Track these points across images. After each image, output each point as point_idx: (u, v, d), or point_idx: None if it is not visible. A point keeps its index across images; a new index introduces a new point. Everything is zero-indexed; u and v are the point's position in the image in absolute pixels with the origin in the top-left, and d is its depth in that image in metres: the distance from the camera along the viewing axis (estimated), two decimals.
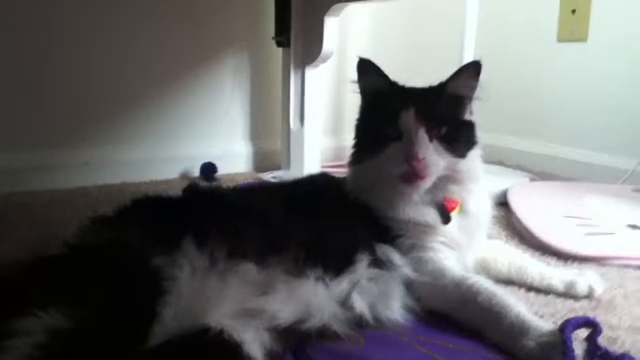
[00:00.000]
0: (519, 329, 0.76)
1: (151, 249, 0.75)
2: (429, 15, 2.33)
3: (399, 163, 0.89)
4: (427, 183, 0.91)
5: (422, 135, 0.88)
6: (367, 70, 0.96)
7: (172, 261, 0.75)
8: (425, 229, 0.93)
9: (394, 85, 0.96)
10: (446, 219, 0.94)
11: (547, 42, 2.15)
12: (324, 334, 0.78)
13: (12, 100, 1.62)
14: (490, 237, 1.11)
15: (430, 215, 0.94)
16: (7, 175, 1.59)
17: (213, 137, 1.98)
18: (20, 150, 1.64)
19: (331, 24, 1.77)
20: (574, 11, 2.04)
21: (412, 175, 0.89)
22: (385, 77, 0.96)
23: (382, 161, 0.91)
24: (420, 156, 0.87)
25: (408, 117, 0.89)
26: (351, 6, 1.85)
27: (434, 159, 0.89)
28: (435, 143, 0.90)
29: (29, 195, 1.56)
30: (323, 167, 1.93)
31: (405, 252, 0.91)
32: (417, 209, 0.93)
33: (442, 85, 0.95)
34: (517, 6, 2.25)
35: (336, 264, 0.83)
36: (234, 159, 2.01)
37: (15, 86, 1.62)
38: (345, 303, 0.81)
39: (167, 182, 1.78)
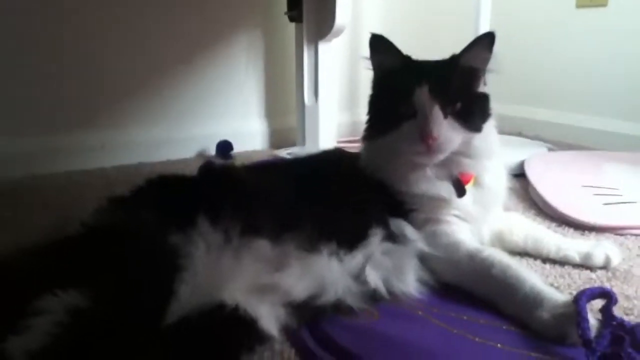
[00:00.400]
0: (533, 301, 0.76)
1: (167, 228, 0.77)
2: None
3: (414, 141, 0.88)
4: (441, 157, 0.91)
5: (437, 112, 0.88)
6: (379, 46, 0.95)
7: (187, 239, 0.76)
8: (439, 202, 0.93)
9: (407, 61, 0.95)
10: (461, 192, 0.94)
11: (566, 8, 2.10)
12: (338, 308, 0.79)
13: (27, 84, 1.64)
14: (507, 209, 1.11)
15: (445, 189, 0.93)
16: (24, 159, 1.62)
17: (228, 115, 1.98)
18: (36, 134, 1.67)
19: None
20: None
21: (427, 152, 0.88)
22: (398, 52, 0.94)
23: (396, 139, 0.91)
24: (435, 134, 0.86)
25: (422, 95, 0.88)
26: None
27: (449, 135, 0.88)
28: (450, 119, 0.89)
29: (46, 178, 1.58)
30: (338, 142, 1.93)
31: (419, 226, 0.91)
32: (432, 183, 0.93)
33: (455, 58, 0.93)
34: None
35: (350, 238, 0.84)
36: (250, 136, 2.01)
37: (30, 70, 1.64)
38: (359, 277, 0.82)
39: (183, 161, 1.80)
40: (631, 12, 1.88)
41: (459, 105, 0.89)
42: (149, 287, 0.70)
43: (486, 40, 0.92)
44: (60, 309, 0.65)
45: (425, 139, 0.86)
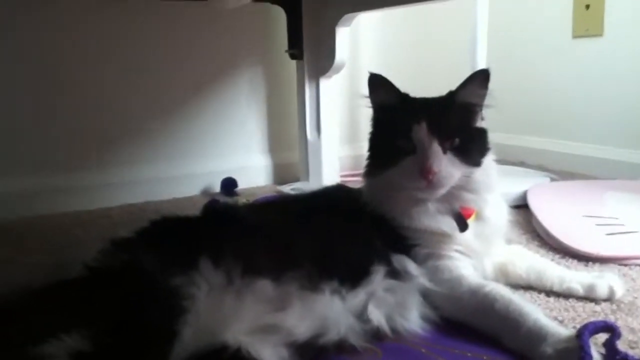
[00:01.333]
0: (536, 336, 0.76)
1: (169, 270, 0.77)
2: (440, 19, 2.32)
3: (414, 177, 0.89)
4: (442, 191, 0.92)
5: (436, 147, 0.89)
6: (378, 85, 0.97)
7: (189, 280, 0.77)
8: (441, 237, 0.94)
9: (405, 98, 0.97)
10: (463, 227, 0.94)
11: (562, 39, 2.13)
12: (341, 347, 0.79)
13: (31, 124, 1.67)
14: (510, 241, 1.11)
15: (447, 223, 0.94)
16: (29, 199, 1.63)
17: (232, 151, 2.01)
18: (40, 174, 1.69)
19: (342, 34, 1.78)
20: (587, 6, 2.02)
21: (428, 187, 0.90)
22: (396, 90, 0.97)
23: (397, 175, 0.92)
24: (435, 169, 0.88)
25: (421, 131, 0.90)
26: (362, 15, 1.86)
27: (449, 170, 0.90)
28: (449, 154, 0.90)
29: (49, 218, 1.59)
30: (342, 176, 1.95)
31: (421, 261, 0.92)
32: (434, 217, 0.94)
33: (452, 95, 0.95)
34: (530, 4, 2.24)
35: (352, 276, 0.84)
36: (254, 172, 2.03)
37: (34, 109, 1.67)
38: (362, 316, 0.82)
39: (188, 199, 1.81)
40: (627, 41, 1.91)
41: (457, 140, 0.91)
42: (151, 330, 0.71)
43: (481, 77, 0.94)
44: (63, 353, 0.65)
45: (425, 174, 0.88)
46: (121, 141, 1.81)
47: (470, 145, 0.93)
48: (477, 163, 0.94)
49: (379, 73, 0.96)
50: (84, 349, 0.66)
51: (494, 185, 0.98)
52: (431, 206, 0.94)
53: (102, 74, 1.75)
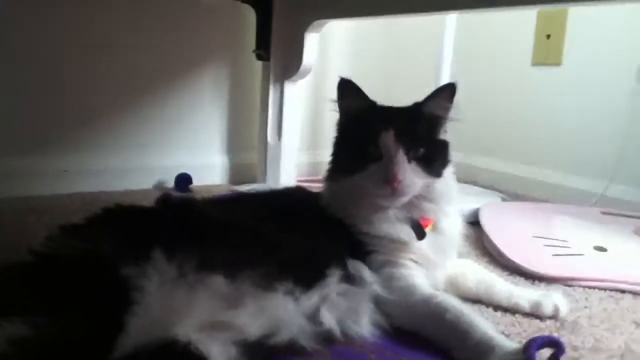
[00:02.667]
0: (485, 348, 0.77)
1: (120, 259, 0.75)
2: (407, 36, 2.36)
3: (379, 184, 0.90)
4: (404, 200, 0.93)
5: (402, 156, 0.91)
6: (347, 90, 0.97)
7: (141, 271, 0.74)
8: (398, 245, 0.95)
9: (373, 105, 0.98)
10: (421, 235, 0.96)
11: (522, 66, 2.20)
12: (292, 349, 0.78)
13: None
14: (461, 255, 1.13)
15: (405, 232, 0.95)
16: None
17: (190, 148, 1.97)
18: None
19: (311, 40, 1.78)
20: (548, 36, 2.09)
21: (391, 195, 0.90)
22: (366, 97, 0.97)
23: (361, 181, 0.93)
24: (400, 177, 0.89)
25: (388, 139, 0.91)
26: (332, 23, 1.87)
27: (412, 179, 0.91)
28: (413, 164, 0.92)
29: (3, 202, 1.53)
30: (298, 181, 1.94)
31: (377, 268, 0.92)
32: (393, 225, 0.95)
33: (419, 106, 0.97)
34: (493, 30, 2.30)
35: (307, 277, 0.84)
36: (210, 170, 2.00)
37: None
38: (314, 318, 0.81)
39: (141, 192, 1.77)
40: (584, 71, 1.98)
41: (421, 150, 0.93)
42: (96, 319, 0.68)
43: (448, 91, 0.97)
44: (3, 339, 0.62)
45: (390, 182, 0.89)
46: (78, 128, 1.76)
47: (434, 156, 0.95)
48: (438, 174, 0.96)
49: (349, 78, 0.96)
50: (25, 334, 0.63)
51: (452, 197, 1.01)
52: (391, 214, 0.95)
53: (62, 63, 1.70)
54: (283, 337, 0.77)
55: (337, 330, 0.82)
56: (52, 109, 1.70)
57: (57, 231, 0.84)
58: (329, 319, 0.82)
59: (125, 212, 0.92)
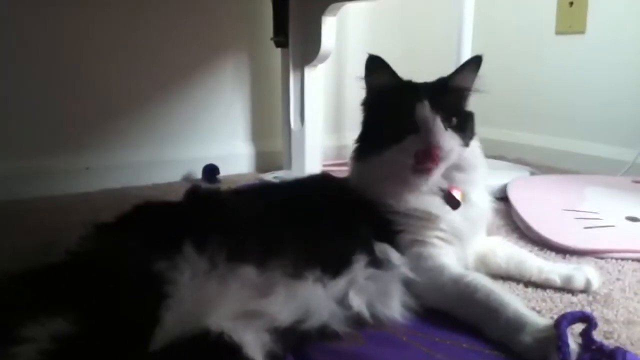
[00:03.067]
0: (515, 325, 0.78)
1: (152, 254, 0.77)
2: (426, 10, 2.33)
3: (418, 154, 0.90)
4: (443, 167, 0.94)
5: (440, 124, 0.91)
6: (375, 67, 0.97)
7: (172, 265, 0.76)
8: (428, 222, 0.95)
9: (402, 81, 0.99)
10: (455, 205, 0.96)
11: (545, 35, 2.15)
12: (323, 334, 0.79)
13: (10, 107, 1.64)
14: (490, 232, 1.13)
15: (436, 204, 0.95)
16: (7, 183, 1.60)
17: (214, 138, 2.00)
18: (19, 157, 1.66)
19: (329, 24, 1.78)
20: (571, 3, 2.05)
21: (432, 163, 0.90)
22: (394, 73, 0.97)
23: (399, 153, 0.93)
24: (441, 144, 0.90)
25: (424, 109, 0.91)
26: (348, 5, 1.86)
27: (452, 145, 0.92)
28: (450, 131, 0.93)
29: (30, 202, 1.57)
30: (324, 166, 1.95)
31: (405, 247, 0.93)
32: (424, 198, 0.95)
33: (448, 79, 0.99)
34: (514, 2, 2.25)
35: (334, 265, 0.85)
36: (236, 160, 2.02)
37: (13, 92, 1.64)
38: (343, 302, 0.83)
39: (169, 185, 1.80)
40: (609, 39, 1.94)
41: (454, 120, 0.94)
42: (133, 314, 0.70)
43: (474, 64, 0.99)
44: (45, 336, 0.65)
45: (431, 150, 0.89)
46: (103, 125, 1.79)
47: (465, 125, 0.96)
48: (467, 143, 0.97)
49: (377, 55, 0.96)
50: (66, 332, 0.66)
51: (480, 167, 1.01)
52: (423, 187, 0.95)
53: (83, 58, 1.72)
54: (314, 322, 0.78)
55: (366, 313, 0.83)
56: (75, 107, 1.73)
57: (91, 230, 0.86)
58: (358, 303, 0.83)
59: (155, 208, 0.94)
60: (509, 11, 2.29)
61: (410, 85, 0.99)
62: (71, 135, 1.74)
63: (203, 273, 0.77)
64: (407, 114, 0.92)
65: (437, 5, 2.26)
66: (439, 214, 0.95)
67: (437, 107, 0.92)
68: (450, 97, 0.96)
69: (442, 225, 0.95)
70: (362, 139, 1.03)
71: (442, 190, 0.96)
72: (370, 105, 1.02)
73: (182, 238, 0.81)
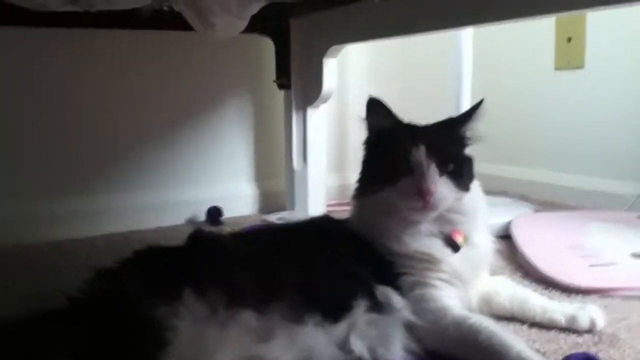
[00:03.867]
0: None
1: (153, 300, 0.77)
2: (425, 50, 2.36)
3: (411, 197, 0.92)
4: (435, 213, 0.94)
5: (434, 170, 0.92)
6: (376, 109, 0.99)
7: (173, 311, 0.76)
8: (429, 263, 0.94)
9: (402, 123, 1.00)
10: (455, 248, 0.96)
11: (544, 71, 2.18)
12: None
13: (12, 149, 1.66)
14: (493, 272, 1.12)
15: (437, 247, 0.95)
16: (9, 226, 1.60)
17: (218, 179, 2.01)
18: (22, 200, 1.67)
19: (330, 65, 1.81)
20: (569, 39, 2.07)
21: (423, 208, 0.92)
22: (394, 115, 0.99)
23: (392, 195, 0.94)
24: (432, 189, 0.90)
25: (419, 154, 0.93)
26: (349, 46, 1.89)
27: (444, 192, 0.93)
28: (444, 178, 0.93)
29: (31, 247, 1.57)
30: (328, 205, 1.95)
31: (407, 290, 0.92)
32: (424, 240, 0.95)
33: (449, 123, 1.01)
34: (513, 37, 2.29)
35: (334, 310, 0.84)
36: (240, 201, 2.03)
37: (16, 135, 1.66)
38: (344, 346, 0.82)
39: (173, 228, 1.80)
40: (607, 73, 1.96)
41: (451, 165, 0.94)
42: None
43: (477, 109, 1.00)
44: None
45: (423, 194, 0.90)
46: (106, 168, 1.81)
47: (462, 171, 0.97)
48: (467, 188, 0.98)
49: (377, 97, 0.98)
50: None
51: (482, 210, 1.02)
52: (422, 229, 0.96)
53: (86, 101, 1.75)
54: None
55: (368, 358, 0.82)
56: (77, 149, 1.75)
57: (92, 276, 0.87)
58: (359, 347, 0.82)
59: (156, 253, 0.94)
60: (507, 48, 2.32)
61: (409, 128, 1.00)
62: (74, 178, 1.76)
63: (203, 319, 0.77)
64: (403, 157, 0.94)
65: (436, 44, 2.29)
66: (439, 257, 0.95)
67: (433, 153, 0.93)
68: (449, 143, 0.97)
69: (444, 268, 0.95)
70: (362, 178, 1.04)
71: (443, 233, 0.97)
72: (370, 146, 1.03)
73: (182, 283, 0.81)
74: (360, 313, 0.85)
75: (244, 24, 1.45)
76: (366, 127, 1.01)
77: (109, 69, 1.78)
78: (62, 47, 1.71)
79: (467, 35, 1.80)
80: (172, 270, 0.87)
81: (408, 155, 0.93)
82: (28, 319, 0.89)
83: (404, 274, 0.94)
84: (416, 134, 0.97)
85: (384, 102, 0.98)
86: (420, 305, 0.90)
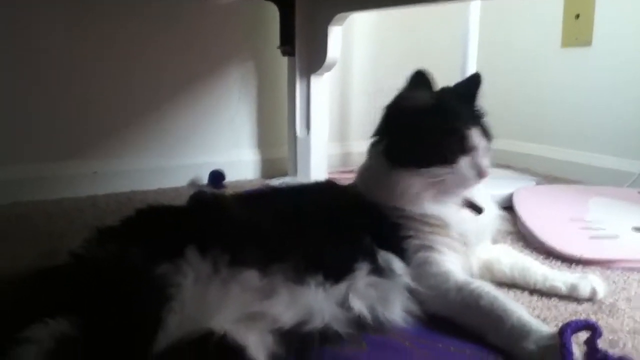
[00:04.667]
0: (519, 332, 0.77)
1: (156, 258, 0.77)
2: (431, 22, 2.34)
3: (472, 175, 0.95)
4: None
5: (485, 149, 0.97)
6: (422, 82, 0.98)
7: (176, 269, 0.76)
8: (439, 228, 0.95)
9: (448, 101, 1.00)
10: (479, 210, 1.00)
11: (551, 48, 2.15)
12: (326, 336, 0.79)
13: (18, 112, 1.66)
14: (495, 241, 1.12)
15: (451, 211, 0.98)
16: (15, 187, 1.62)
17: (221, 145, 2.01)
18: (27, 162, 1.68)
19: (335, 33, 1.79)
20: (577, 16, 2.05)
21: (476, 184, 0.97)
22: (439, 91, 1.00)
23: (450, 173, 0.95)
24: (488, 169, 0.96)
25: (477, 136, 0.96)
26: (355, 15, 1.87)
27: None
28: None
29: (36, 205, 1.58)
30: (329, 173, 1.95)
31: (411, 252, 0.93)
32: (441, 206, 0.97)
33: (470, 99, 1.03)
34: (521, 13, 2.26)
35: (336, 272, 0.85)
36: (242, 166, 2.03)
37: (21, 97, 1.66)
38: (344, 304, 0.83)
39: (175, 190, 1.80)
40: (615, 51, 1.94)
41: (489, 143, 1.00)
42: (137, 316, 0.71)
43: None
44: (49, 337, 0.65)
45: (482, 174, 0.95)
46: (110, 131, 1.81)
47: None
48: None
49: (424, 70, 0.98)
50: (70, 333, 0.66)
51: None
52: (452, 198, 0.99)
53: (91, 66, 1.74)
54: (317, 323, 0.79)
55: (368, 316, 0.83)
56: (84, 113, 1.76)
57: (94, 234, 0.87)
58: (359, 305, 0.83)
59: (158, 212, 0.94)
60: (515, 23, 2.29)
61: (453, 107, 1.00)
62: (79, 141, 1.76)
63: (206, 276, 0.77)
64: (461, 138, 0.96)
65: (443, 17, 2.27)
66: (451, 221, 0.96)
67: (482, 134, 0.98)
68: (484, 122, 1.01)
69: (453, 232, 0.96)
70: (397, 149, 0.99)
71: (464, 200, 1.00)
72: (410, 118, 0.99)
73: (185, 242, 0.81)
74: (361, 276, 0.86)
75: None
76: (402, 99, 1.00)
77: (112, 35, 1.77)
78: (73, 13, 1.70)
79: (474, 9, 1.78)
80: (174, 229, 0.87)
81: (466, 136, 0.95)
82: (31, 275, 0.90)
83: (410, 237, 0.94)
84: (468, 115, 0.99)
85: (430, 77, 0.97)
86: (423, 268, 0.91)
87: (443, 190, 0.97)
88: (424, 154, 0.97)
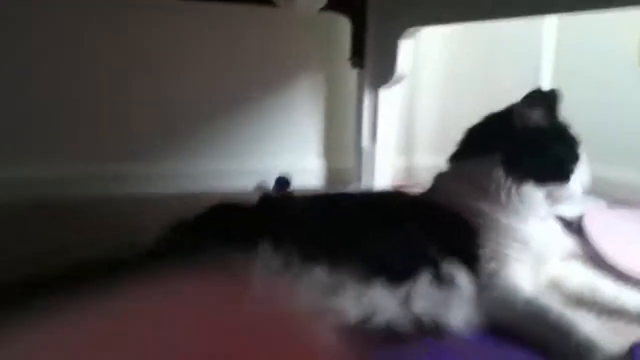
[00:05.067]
0: (586, 349, 0.77)
1: (230, 250, 0.81)
2: (505, 41, 2.31)
3: (579, 191, 1.03)
4: None
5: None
6: (540, 103, 1.01)
7: (249, 261, 0.80)
8: (516, 242, 0.96)
9: (560, 124, 1.05)
10: (569, 224, 1.11)
11: (628, 67, 2.09)
12: (388, 336, 0.81)
13: (100, 115, 1.78)
14: (564, 259, 1.11)
15: (534, 226, 0.99)
16: (89, 182, 1.73)
17: (287, 152, 2.06)
18: (106, 162, 1.80)
19: (405, 47, 1.80)
20: None
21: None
22: (554, 114, 1.04)
23: (562, 189, 1.01)
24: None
25: (584, 159, 1.04)
26: (426, 30, 1.88)
27: None
28: None
29: (109, 201, 1.66)
30: (393, 186, 1.95)
31: (484, 262, 0.93)
32: (532, 222, 1.00)
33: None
34: (596, 32, 2.20)
35: (399, 275, 0.87)
36: (307, 174, 2.07)
37: (103, 98, 1.77)
38: (406, 304, 0.85)
39: (241, 193, 1.84)
40: None
41: None
42: None
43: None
44: None
45: (583, 191, 1.03)
46: (183, 134, 1.90)
47: None
48: None
49: (544, 90, 1.04)
50: None
51: None
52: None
53: (167, 75, 1.85)
54: (379, 320, 0.81)
55: (428, 318, 0.84)
56: (158, 116, 1.86)
57: (168, 228, 0.92)
58: (420, 307, 0.85)
59: (230, 208, 0.99)
60: (589, 43, 2.24)
61: (564, 130, 1.06)
62: (151, 142, 1.86)
63: (278, 270, 0.81)
64: (573, 160, 1.02)
65: (516, 34, 2.24)
66: (530, 235, 0.97)
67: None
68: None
69: (529, 246, 0.96)
70: (514, 163, 1.01)
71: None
72: (526, 135, 1.02)
73: (257, 237, 0.84)
74: (423, 281, 0.87)
75: (323, 0, 1.47)
76: (520, 116, 1.01)
77: (181, 41, 1.86)
78: (138, 22, 1.80)
79: (550, 26, 1.75)
80: (247, 225, 0.91)
81: (577, 159, 1.02)
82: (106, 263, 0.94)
83: (486, 246, 0.95)
84: (577, 140, 1.05)
85: (550, 98, 1.02)
86: (493, 278, 0.91)
87: (553, 205, 1.02)
88: (547, 171, 1.01)
